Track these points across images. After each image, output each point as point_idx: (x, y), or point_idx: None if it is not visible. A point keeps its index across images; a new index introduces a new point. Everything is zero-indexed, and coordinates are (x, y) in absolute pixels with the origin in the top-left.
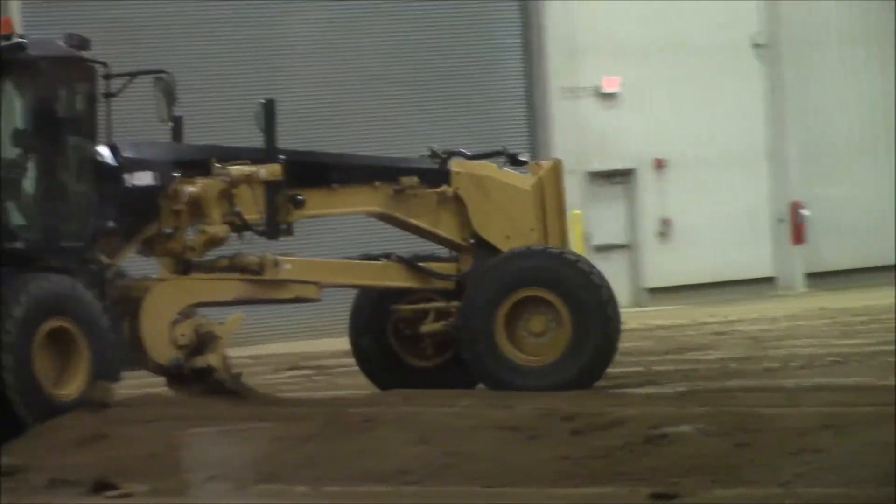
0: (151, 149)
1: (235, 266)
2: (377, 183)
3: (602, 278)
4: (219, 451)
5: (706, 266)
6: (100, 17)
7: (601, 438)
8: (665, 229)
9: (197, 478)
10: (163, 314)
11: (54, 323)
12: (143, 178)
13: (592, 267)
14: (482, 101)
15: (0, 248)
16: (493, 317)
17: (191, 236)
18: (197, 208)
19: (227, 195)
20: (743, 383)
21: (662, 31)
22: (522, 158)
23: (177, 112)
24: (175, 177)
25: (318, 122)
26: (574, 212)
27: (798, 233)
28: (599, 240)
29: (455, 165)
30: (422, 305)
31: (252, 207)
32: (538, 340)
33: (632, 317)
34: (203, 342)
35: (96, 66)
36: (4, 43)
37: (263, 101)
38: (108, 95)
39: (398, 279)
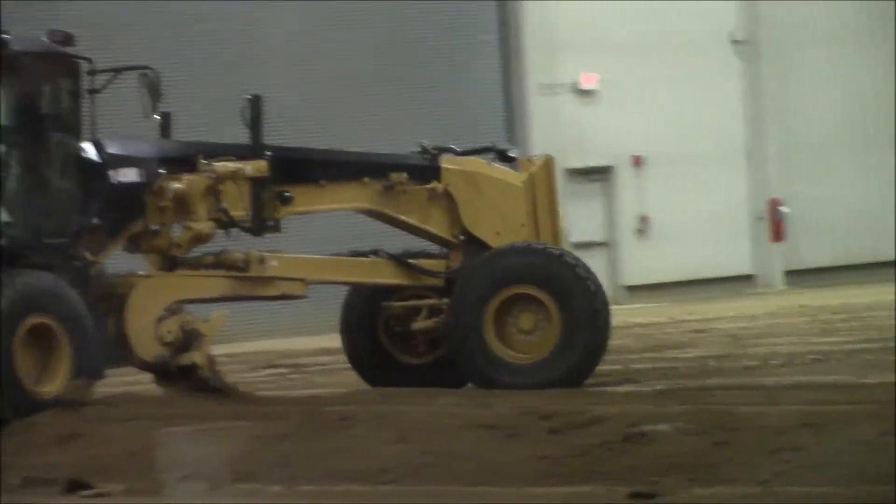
0: (137, 145)
1: (221, 263)
2: (366, 179)
3: (592, 276)
4: (194, 450)
5: (685, 263)
6: (81, 16)
7: (579, 437)
8: (643, 227)
9: (172, 477)
10: (148, 311)
11: (36, 319)
12: (129, 175)
13: (582, 264)
14: (460, 98)
15: None
16: (482, 314)
17: (177, 233)
18: (183, 205)
19: (213, 192)
20: (722, 381)
21: (641, 27)
22: (511, 154)
23: (162, 109)
24: (161, 173)
25: (296, 120)
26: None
27: (777, 230)
28: (577, 237)
29: (445, 161)
30: (413, 302)
31: (238, 204)
32: (527, 338)
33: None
34: (188, 339)
35: (80, 61)
36: None
37: (250, 96)
38: (93, 91)
39: (387, 276)
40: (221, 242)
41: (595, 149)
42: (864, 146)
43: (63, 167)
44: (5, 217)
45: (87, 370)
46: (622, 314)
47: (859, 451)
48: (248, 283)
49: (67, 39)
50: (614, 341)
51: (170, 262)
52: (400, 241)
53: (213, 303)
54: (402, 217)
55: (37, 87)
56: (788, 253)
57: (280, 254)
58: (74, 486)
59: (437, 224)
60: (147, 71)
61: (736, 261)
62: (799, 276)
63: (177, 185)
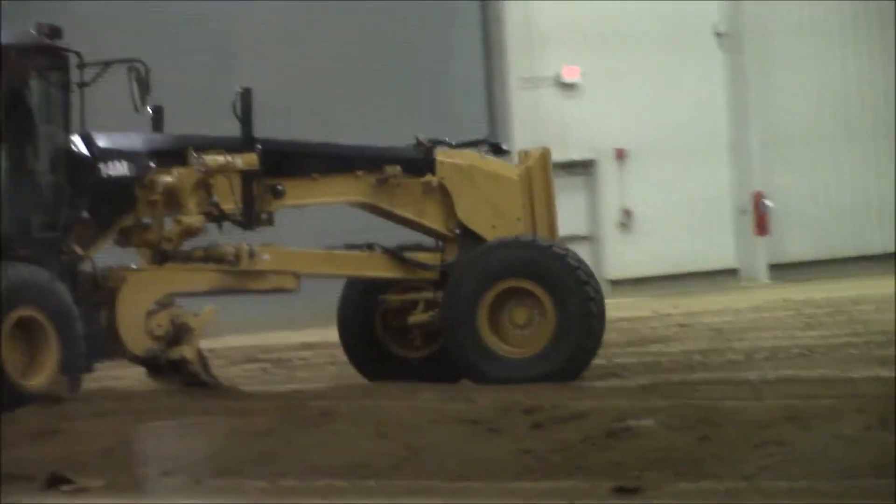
0: (127, 138)
1: (211, 256)
2: (359, 172)
3: (587, 269)
4: (175, 445)
5: (668, 257)
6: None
7: (562, 432)
8: (626, 220)
9: (152, 472)
10: (138, 305)
11: (22, 312)
12: (119, 169)
13: (577, 258)
14: (441, 92)
15: None
16: (476, 308)
17: (168, 227)
18: (173, 198)
19: (203, 185)
20: (706, 376)
21: (624, 20)
22: (504, 148)
23: (154, 103)
24: (151, 167)
25: (276, 116)
26: None
27: (761, 224)
28: (560, 231)
29: (440, 155)
30: (410, 296)
31: (230, 197)
32: (522, 332)
33: None
34: (179, 333)
35: (69, 55)
36: None
37: (240, 90)
38: (82, 85)
39: (381, 269)
40: (215, 236)
41: (578, 142)
42: (848, 139)
43: (52, 161)
44: None
45: (75, 364)
46: (606, 308)
47: (844, 445)
48: (240, 277)
49: (55, 32)
50: None
51: (160, 256)
52: (398, 235)
53: (204, 296)
54: (397, 210)
55: (25, 80)
56: (772, 247)
57: (272, 247)
58: (55, 481)
59: (432, 217)
60: (136, 64)
61: (720, 255)
62: (783, 270)
63: (167, 179)
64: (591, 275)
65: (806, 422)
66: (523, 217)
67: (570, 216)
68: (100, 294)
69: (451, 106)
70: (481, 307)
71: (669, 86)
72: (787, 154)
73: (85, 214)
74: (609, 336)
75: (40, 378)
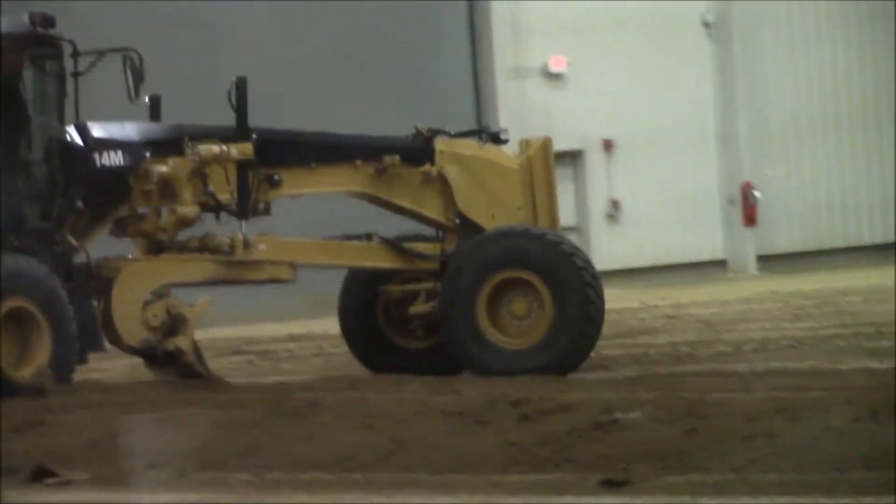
0: (121, 128)
1: (206, 247)
2: (358, 162)
3: (585, 258)
4: (160, 437)
5: (656, 248)
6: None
7: (550, 424)
8: (614, 211)
9: (137, 465)
10: (133, 295)
11: (14, 303)
12: (113, 158)
13: (575, 247)
14: (428, 83)
15: None
16: (474, 298)
17: (164, 217)
18: (168, 188)
19: (198, 175)
20: (694, 368)
21: (611, 10)
22: (503, 137)
23: (151, 93)
24: (146, 156)
25: (266, 107)
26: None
27: (750, 215)
28: None
29: (439, 144)
30: (411, 286)
31: (226, 187)
32: (521, 323)
33: None
34: (174, 324)
35: (63, 44)
36: None
37: (235, 78)
38: (76, 74)
39: (379, 260)
40: (213, 227)
41: (565, 133)
42: (837, 130)
43: (46, 151)
44: None
45: (67, 355)
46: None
47: (833, 437)
48: (236, 267)
49: (49, 22)
50: None
51: (156, 246)
52: (403, 225)
53: (199, 287)
54: (396, 200)
55: (18, 69)
56: (760, 238)
57: (268, 237)
58: (40, 473)
59: (432, 207)
60: (130, 53)
61: (708, 246)
62: (771, 261)
63: (162, 169)
64: (588, 263)
65: (795, 414)
66: (524, 207)
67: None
68: (95, 284)
69: (438, 97)
70: (479, 298)
71: (657, 76)
72: (776, 145)
73: (79, 205)
74: None
75: (32, 369)
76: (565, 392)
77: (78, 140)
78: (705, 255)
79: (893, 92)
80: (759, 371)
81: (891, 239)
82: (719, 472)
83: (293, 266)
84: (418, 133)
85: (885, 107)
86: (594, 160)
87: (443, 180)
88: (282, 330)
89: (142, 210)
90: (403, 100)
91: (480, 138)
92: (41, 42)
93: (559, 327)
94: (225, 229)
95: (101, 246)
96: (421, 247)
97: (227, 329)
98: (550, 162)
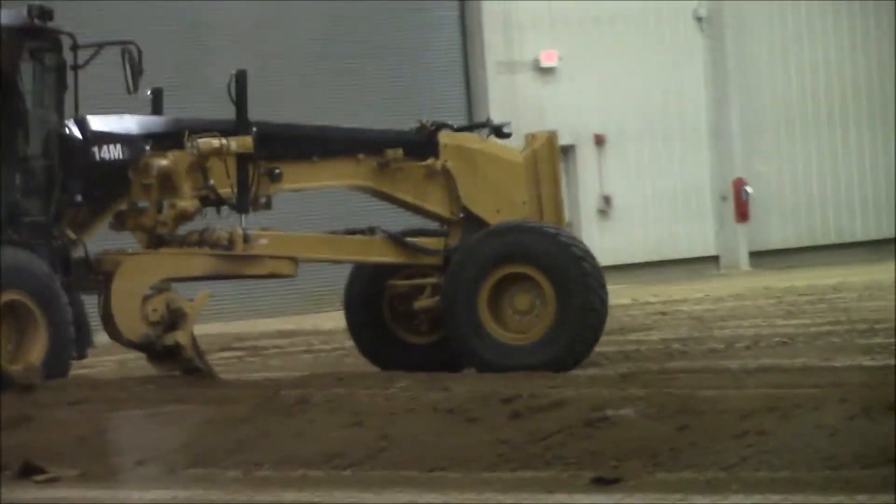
0: (121, 122)
1: (205, 241)
2: (360, 156)
3: (587, 253)
4: (148, 434)
5: (648, 244)
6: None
7: (541, 421)
8: (605, 207)
9: (126, 461)
10: (133, 290)
11: (9, 296)
12: (112, 152)
13: (578, 243)
14: (419, 77)
15: None
16: (476, 294)
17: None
18: (168, 182)
19: (199, 169)
20: (686, 365)
21: (602, 4)
22: (506, 130)
23: (154, 85)
24: (145, 150)
25: (254, 99)
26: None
27: (742, 210)
28: None
29: (443, 138)
30: (417, 281)
31: (226, 181)
32: (523, 318)
33: None
34: (174, 319)
35: (61, 37)
36: None
37: (235, 71)
38: (75, 67)
39: (382, 254)
40: (214, 221)
41: (556, 128)
42: (830, 125)
43: (45, 144)
44: None
45: (63, 349)
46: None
47: (826, 434)
48: (236, 262)
49: (47, 15)
50: None
51: (156, 240)
52: (407, 219)
53: (199, 281)
54: (399, 194)
55: (15, 62)
56: (753, 234)
57: (269, 231)
58: (27, 470)
59: (435, 201)
60: (129, 46)
61: (700, 241)
62: (763, 257)
63: (161, 162)
64: (591, 258)
65: (787, 411)
66: (529, 201)
67: None
68: (94, 279)
69: (429, 91)
70: (481, 293)
71: (649, 71)
72: (768, 140)
73: (78, 198)
74: None
75: (26, 364)
76: (556, 389)
77: (77, 133)
78: (697, 251)
79: (886, 87)
80: (752, 368)
81: (884, 235)
82: (711, 470)
83: (294, 261)
84: (422, 127)
85: (878, 102)
86: (585, 155)
87: (446, 174)
88: (271, 326)
89: (142, 204)
90: (394, 94)
91: (481, 131)
92: (39, 35)
93: (561, 323)
94: (227, 223)
95: (101, 240)
96: (425, 241)
97: (216, 325)
98: (556, 156)
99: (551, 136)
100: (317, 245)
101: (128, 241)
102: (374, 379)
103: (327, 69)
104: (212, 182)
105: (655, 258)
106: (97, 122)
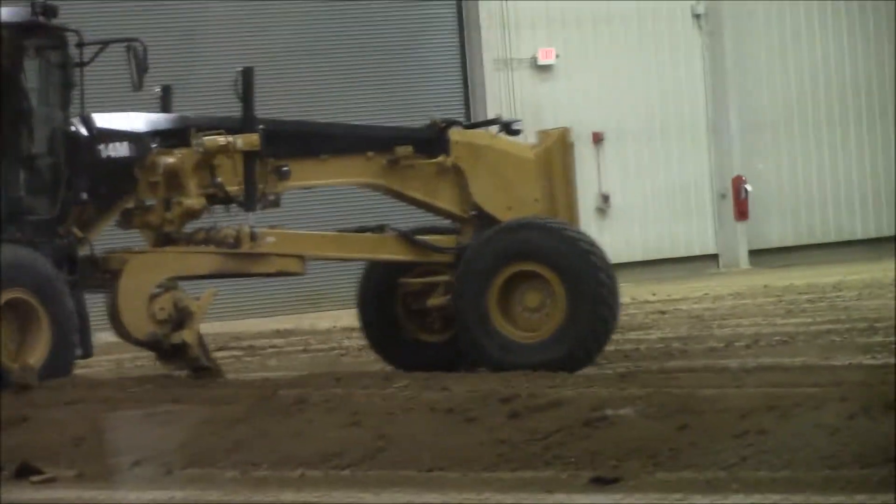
0: (127, 119)
1: (211, 239)
2: (370, 153)
3: (596, 250)
4: (145, 434)
5: (646, 243)
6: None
7: (540, 421)
8: (604, 205)
9: (123, 462)
10: (139, 288)
11: (11, 294)
12: (119, 150)
13: (589, 240)
14: (416, 74)
15: None
16: (486, 291)
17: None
18: (174, 180)
19: (206, 166)
20: (686, 364)
21: (600, 1)
22: (516, 127)
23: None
24: (152, 148)
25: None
26: None
27: (742, 209)
28: None
29: (454, 135)
30: (429, 279)
31: (234, 179)
32: (534, 316)
33: None
34: (181, 317)
35: (66, 34)
36: None
37: (242, 69)
38: (80, 65)
39: (392, 252)
40: (223, 218)
41: (553, 126)
42: (829, 123)
43: (50, 142)
44: None
45: (66, 347)
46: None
47: (826, 434)
48: (243, 260)
49: (50, 11)
50: None
51: (164, 239)
52: (419, 217)
53: (206, 279)
54: (409, 192)
55: (19, 59)
56: (752, 232)
57: (277, 229)
58: (24, 470)
59: (446, 199)
60: (134, 43)
61: (699, 240)
62: (763, 256)
63: (168, 160)
64: (602, 256)
65: (787, 410)
66: (541, 198)
67: None
68: (101, 277)
69: (426, 88)
70: (491, 290)
71: (647, 68)
72: (767, 138)
73: (84, 196)
74: None
75: (32, 361)
76: (555, 388)
77: (83, 131)
78: (696, 250)
79: (886, 84)
80: (752, 367)
81: (884, 233)
82: (711, 469)
83: (302, 259)
84: (433, 124)
85: (878, 99)
86: (583, 153)
87: (457, 171)
88: (268, 325)
89: (149, 202)
90: (392, 91)
91: (491, 128)
92: (43, 32)
93: (571, 322)
94: (236, 221)
95: (110, 238)
96: (436, 239)
97: (213, 324)
98: (569, 153)
99: (564, 133)
100: (325, 243)
101: (135, 239)
102: (372, 378)
103: (324, 66)
104: (219, 180)
105: (654, 257)
106: (103, 120)
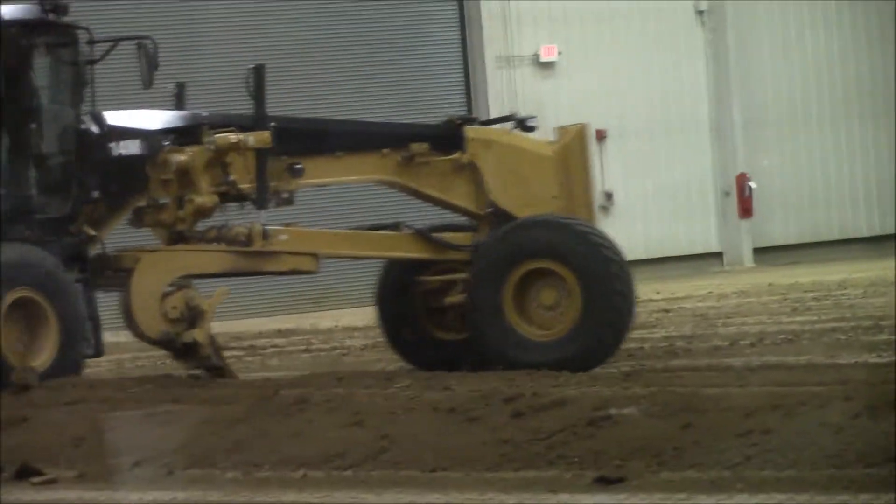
0: (138, 117)
1: (222, 237)
2: (385, 150)
3: (614, 248)
4: (146, 434)
5: (650, 241)
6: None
7: (543, 420)
8: (606, 203)
9: (124, 463)
10: (151, 287)
11: (20, 293)
12: (130, 147)
13: (604, 237)
14: (418, 71)
15: None
16: (501, 289)
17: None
18: (186, 178)
19: (216, 164)
20: (690, 363)
21: None
22: (531, 124)
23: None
24: (164, 145)
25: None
26: None
27: (745, 206)
28: None
29: (470, 131)
30: (447, 276)
31: (246, 176)
32: (549, 314)
33: None
34: (193, 316)
35: (76, 31)
36: None
37: (253, 66)
38: (91, 62)
39: (407, 250)
40: (236, 216)
41: (556, 123)
42: (833, 119)
43: (61, 140)
44: None
45: (75, 346)
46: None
47: (831, 433)
48: (255, 258)
49: (60, 9)
50: None
51: (176, 237)
52: (435, 214)
53: (218, 278)
54: (424, 189)
55: (27, 57)
56: (756, 229)
57: (290, 227)
58: (25, 472)
59: (462, 196)
60: (144, 41)
61: (703, 238)
62: (767, 254)
63: (179, 158)
64: (618, 254)
65: (792, 409)
66: (559, 195)
67: None
68: (111, 275)
69: (428, 85)
70: (506, 288)
71: (650, 65)
72: (771, 135)
73: (95, 194)
74: None
75: (40, 361)
76: (559, 388)
77: (94, 129)
78: (700, 248)
79: (890, 81)
80: (756, 365)
81: (889, 230)
82: (715, 469)
83: (315, 257)
84: (449, 121)
85: (882, 96)
86: None
87: (473, 168)
88: (269, 325)
89: (160, 199)
90: (394, 89)
91: (507, 125)
92: (53, 29)
93: (587, 319)
94: (250, 219)
95: (122, 237)
96: (453, 237)
97: (214, 324)
98: (587, 150)
99: (582, 129)
100: (339, 241)
101: (147, 237)
102: (374, 378)
103: (326, 65)
104: (232, 177)
105: (658, 255)
106: (114, 117)
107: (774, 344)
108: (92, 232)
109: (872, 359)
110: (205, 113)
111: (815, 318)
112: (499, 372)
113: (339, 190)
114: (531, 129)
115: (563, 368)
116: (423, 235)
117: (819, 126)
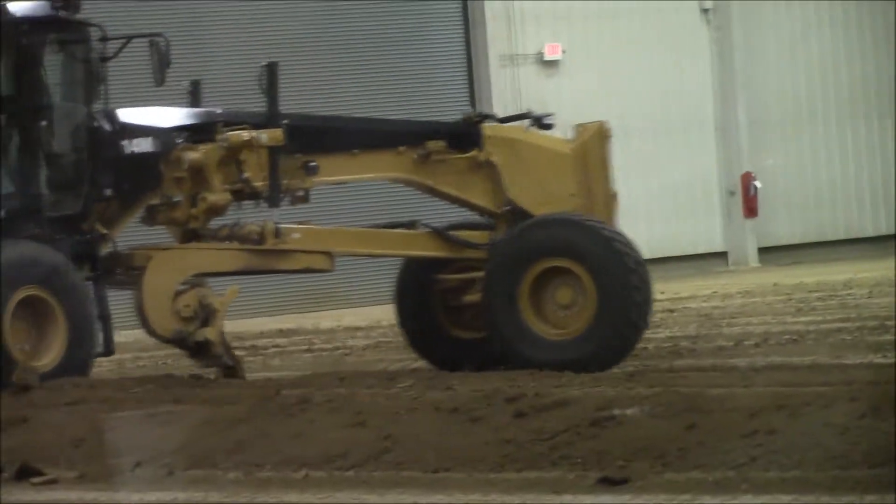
0: (151, 114)
1: (234, 235)
2: (402, 148)
3: (630, 247)
4: (146, 435)
5: (654, 240)
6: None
7: (546, 421)
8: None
9: (124, 463)
10: (163, 285)
11: (28, 291)
12: (143, 145)
13: (620, 236)
14: (421, 70)
15: None
16: (517, 288)
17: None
18: (199, 175)
19: (229, 162)
20: (694, 363)
21: None
22: (548, 122)
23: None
24: (177, 143)
25: (251, 91)
26: None
27: (750, 205)
28: None
29: (487, 129)
30: (466, 275)
31: (260, 174)
32: (565, 313)
33: None
34: (206, 314)
35: (88, 28)
36: None
37: (266, 63)
38: (104, 59)
39: (422, 248)
40: (250, 214)
41: (559, 122)
42: (839, 118)
43: (73, 137)
44: (6, 188)
45: (84, 345)
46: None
47: (836, 433)
48: (268, 257)
49: (71, 6)
50: None
51: (189, 235)
52: (452, 212)
53: (232, 276)
54: (441, 187)
55: (38, 54)
56: (761, 229)
57: (304, 226)
58: (25, 472)
59: (479, 194)
60: (157, 38)
61: (707, 237)
62: (772, 253)
63: (192, 156)
64: (634, 252)
65: (797, 410)
66: (578, 193)
67: None
68: (123, 274)
69: (431, 84)
70: (522, 287)
71: (654, 64)
72: (776, 134)
73: (108, 192)
74: None
75: (48, 359)
76: (562, 388)
77: (106, 126)
78: (705, 247)
79: (895, 80)
80: (761, 366)
81: (894, 231)
82: (720, 469)
83: (330, 255)
84: (466, 118)
85: (888, 95)
86: None
87: (490, 166)
88: (271, 325)
89: (173, 197)
90: (397, 87)
91: (523, 123)
92: (65, 27)
93: (603, 318)
94: (265, 217)
95: (137, 235)
96: (470, 235)
97: None
98: (607, 147)
99: (601, 127)
100: (353, 239)
101: (160, 235)
102: (376, 378)
103: (330, 63)
104: (246, 175)
105: (662, 254)
106: (127, 115)
107: (779, 344)
108: (104, 230)
109: (878, 359)
110: (218, 110)
111: (820, 318)
112: (501, 372)
113: (354, 188)
114: (548, 126)
115: (578, 368)
116: (440, 234)
117: (824, 125)
